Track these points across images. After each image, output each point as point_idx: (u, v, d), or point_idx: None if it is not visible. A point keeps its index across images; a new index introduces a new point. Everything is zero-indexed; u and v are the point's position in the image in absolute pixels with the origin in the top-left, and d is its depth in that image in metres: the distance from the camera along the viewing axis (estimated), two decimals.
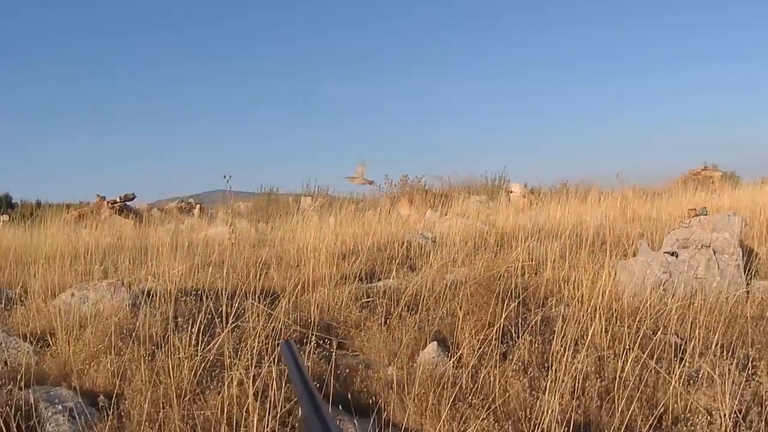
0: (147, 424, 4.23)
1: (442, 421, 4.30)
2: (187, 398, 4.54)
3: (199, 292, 6.93)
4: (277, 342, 5.28)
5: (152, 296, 6.64)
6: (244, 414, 4.24)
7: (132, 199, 22.91)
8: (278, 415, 4.13)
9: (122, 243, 11.64)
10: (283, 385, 4.43)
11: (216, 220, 17.79)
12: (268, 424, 4.03)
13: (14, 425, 4.03)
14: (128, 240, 12.56)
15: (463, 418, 4.30)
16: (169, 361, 4.83)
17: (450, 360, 5.18)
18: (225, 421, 4.22)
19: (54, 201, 26.98)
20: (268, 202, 20.97)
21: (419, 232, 11.71)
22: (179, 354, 4.96)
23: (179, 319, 5.66)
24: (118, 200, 22.49)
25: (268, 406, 4.11)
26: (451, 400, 4.40)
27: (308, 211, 15.54)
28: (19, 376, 4.66)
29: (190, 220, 19.08)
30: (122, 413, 4.38)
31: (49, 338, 5.69)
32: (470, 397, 4.62)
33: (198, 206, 23.44)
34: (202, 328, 5.18)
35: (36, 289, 7.14)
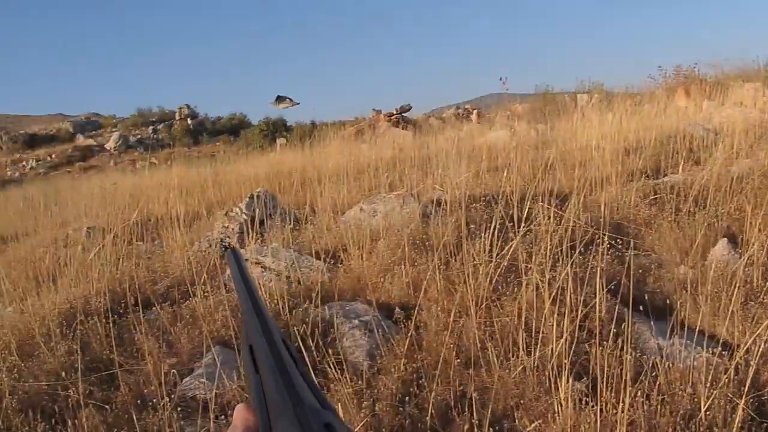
0: (444, 333, 4.74)
1: (735, 323, 4.39)
2: (483, 306, 5.01)
3: (487, 197, 7.44)
4: (570, 244, 5.58)
5: (441, 205, 7.27)
6: (542, 319, 4.60)
7: (408, 110, 24.43)
8: (576, 318, 4.45)
9: (403, 155, 12.66)
10: (578, 287, 4.80)
11: (494, 125, 18.79)
12: (566, 329, 4.32)
13: (312, 341, 4.79)
14: (409, 151, 13.52)
15: (755, 319, 4.35)
16: (464, 269, 5.34)
17: (740, 258, 5.17)
18: (523, 327, 4.63)
19: (328, 119, 29.86)
20: (544, 102, 21.62)
21: (699, 123, 11.77)
22: (473, 261, 5.44)
23: (471, 226, 6.20)
24: (395, 112, 24.09)
25: (564, 310, 4.42)
26: (741, 300, 4.45)
27: (585, 109, 15.92)
28: (314, 294, 5.45)
29: (469, 126, 20.20)
30: (419, 324, 4.96)
31: (341, 254, 6.55)
32: (762, 297, 4.66)
33: (475, 111, 24.43)
34: (494, 234, 5.60)
35: (323, 207, 8.19)
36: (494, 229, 5.64)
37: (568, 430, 3.79)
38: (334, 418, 0.64)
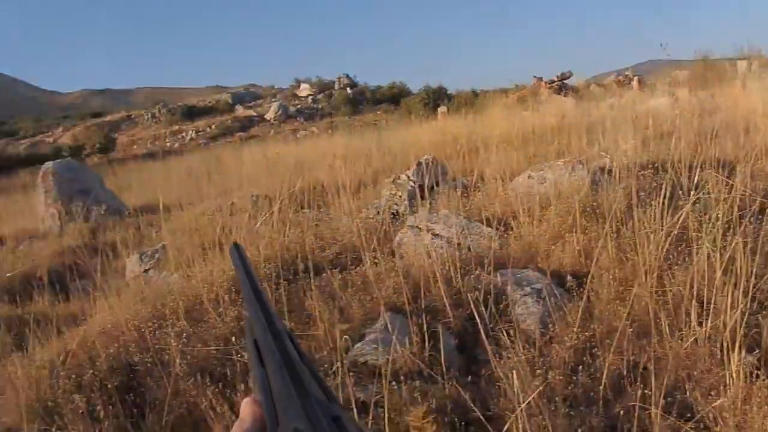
0: (616, 302, 4.78)
1: None
2: (654, 275, 4.93)
3: (655, 165, 7.34)
4: (739, 213, 5.36)
5: (610, 173, 7.19)
6: (713, 290, 4.46)
7: (569, 77, 24.15)
8: (749, 290, 4.35)
9: (566, 122, 12.47)
10: (750, 257, 4.55)
11: (655, 92, 18.28)
12: (738, 301, 4.23)
13: (485, 309, 4.82)
14: (571, 118, 13.44)
15: None
16: (635, 237, 5.33)
17: None
18: (694, 298, 4.53)
19: (488, 88, 29.77)
20: (704, 69, 20.93)
21: None
22: (644, 229, 5.37)
23: (641, 194, 6.05)
24: (555, 79, 23.87)
25: (735, 280, 4.33)
26: None
27: (746, 75, 15.41)
28: (486, 261, 5.53)
29: (630, 93, 19.72)
30: (590, 292, 4.92)
31: (511, 221, 6.58)
32: None
33: (636, 78, 23.83)
34: (664, 202, 5.49)
35: (490, 174, 8.24)
36: (664, 197, 5.52)
37: (739, 403, 3.74)
38: (342, 411, 0.66)
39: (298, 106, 47.32)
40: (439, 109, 26.47)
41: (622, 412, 3.89)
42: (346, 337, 4.79)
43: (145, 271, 8.08)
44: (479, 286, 5.17)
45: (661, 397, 3.76)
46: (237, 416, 0.78)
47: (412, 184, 8.12)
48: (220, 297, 5.75)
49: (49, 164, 14.71)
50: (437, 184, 8.09)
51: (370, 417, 3.76)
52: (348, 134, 19.05)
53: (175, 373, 4.71)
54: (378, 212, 7.77)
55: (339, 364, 4.37)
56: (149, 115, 50.05)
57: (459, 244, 6.15)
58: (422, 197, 7.53)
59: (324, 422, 0.62)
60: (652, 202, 5.68)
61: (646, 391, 3.89)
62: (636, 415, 3.72)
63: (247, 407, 0.76)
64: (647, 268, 5.01)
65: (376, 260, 6.00)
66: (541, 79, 24.44)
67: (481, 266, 5.56)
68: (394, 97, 44.47)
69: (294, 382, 0.68)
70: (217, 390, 4.43)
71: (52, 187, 13.83)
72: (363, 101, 44.97)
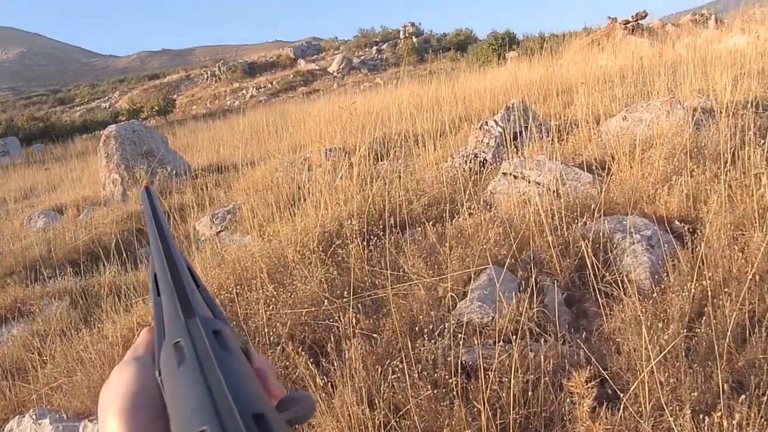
0: (729, 248, 4.51)
1: None
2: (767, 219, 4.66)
3: (755, 103, 7.01)
4: None
5: (708, 112, 6.87)
6: None
7: (644, 17, 23.73)
8: None
9: (644, 63, 12.07)
10: None
11: (732, 30, 17.91)
12: None
13: (592, 259, 4.57)
14: (649, 59, 12.99)
15: None
16: (745, 179, 5.06)
17: None
18: None
19: (557, 32, 29.29)
20: None
21: None
22: (755, 170, 5.14)
23: (745, 134, 5.79)
24: (630, 20, 23.46)
25: None
26: None
27: None
28: (593, 206, 5.31)
29: (706, 33, 19.37)
30: (701, 239, 4.66)
31: (610, 164, 6.29)
32: None
33: (713, 16, 23.41)
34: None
35: (580, 117, 7.95)
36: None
37: None
38: (224, 326, 0.67)
39: (362, 58, 47.06)
40: (508, 54, 26.00)
41: (747, 366, 3.65)
42: (452, 294, 4.58)
43: (217, 233, 7.98)
44: (587, 235, 4.95)
45: None
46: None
47: (500, 129, 7.81)
48: (306, 257, 5.56)
49: (111, 127, 14.69)
50: (525, 130, 7.77)
51: (481, 382, 3.52)
52: (416, 83, 18.68)
53: (262, 343, 4.53)
54: (465, 161, 7.50)
55: (442, 325, 4.17)
56: (208, 73, 50.45)
57: (557, 191, 5.86)
58: (512, 143, 7.25)
59: (204, 336, 0.63)
60: (761, 142, 5.46)
61: None
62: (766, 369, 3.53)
63: (141, 335, 0.78)
64: (761, 210, 4.78)
65: (470, 211, 5.73)
66: (615, 19, 24.01)
67: (582, 214, 5.33)
68: (461, 44, 44.00)
69: (182, 304, 0.69)
70: (311, 359, 4.17)
71: (115, 151, 13.78)
72: (429, 49, 44.42)
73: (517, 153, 7.18)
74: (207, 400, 0.53)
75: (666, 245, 4.76)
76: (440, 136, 9.51)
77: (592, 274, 4.49)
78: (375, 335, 4.32)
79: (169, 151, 14.99)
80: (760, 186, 4.95)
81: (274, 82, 44.04)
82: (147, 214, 0.93)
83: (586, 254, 4.54)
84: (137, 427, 0.63)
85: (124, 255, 7.72)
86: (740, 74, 8.75)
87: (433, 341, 4.03)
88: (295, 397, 0.65)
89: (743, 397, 3.15)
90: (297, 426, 0.64)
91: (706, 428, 2.97)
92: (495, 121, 8.00)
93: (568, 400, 3.44)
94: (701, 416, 3.05)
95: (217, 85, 47.45)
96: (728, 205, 4.98)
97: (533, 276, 4.44)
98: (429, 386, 3.62)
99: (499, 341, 3.93)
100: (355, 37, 53.01)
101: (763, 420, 3.03)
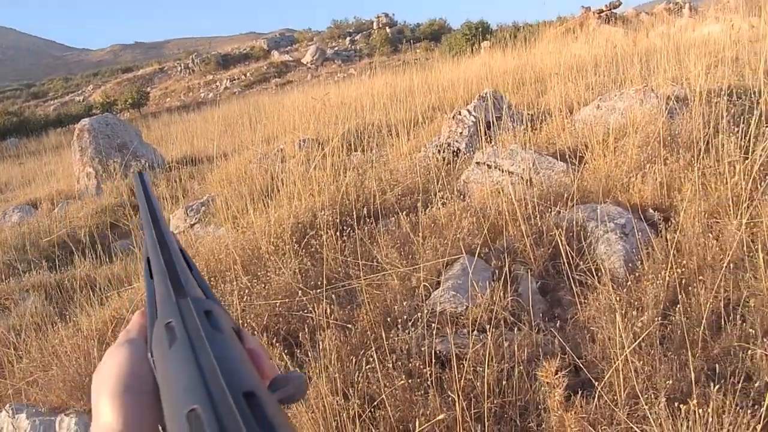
0: (707, 235, 4.51)
1: None
2: (744, 206, 4.64)
3: (728, 91, 6.96)
4: None
5: (682, 101, 6.84)
6: None
7: (618, 5, 23.98)
8: None
9: (617, 52, 12.11)
10: None
11: (706, 19, 18.17)
12: None
13: (566, 248, 4.59)
14: (623, 48, 13.00)
15: None
16: (719, 167, 5.06)
17: None
18: None
19: (530, 21, 29.47)
20: None
21: None
22: (729, 158, 5.12)
23: (719, 122, 5.80)
24: (604, 9, 23.65)
25: None
26: None
27: None
28: (567, 195, 5.29)
29: (681, 21, 19.55)
30: (675, 227, 4.67)
31: (584, 153, 6.26)
32: None
33: (687, 5, 23.72)
34: (747, 130, 5.26)
35: (553, 106, 7.93)
36: (745, 124, 5.32)
37: None
38: (214, 306, 0.68)
39: (336, 49, 46.91)
40: (482, 44, 25.99)
41: (722, 354, 3.67)
42: (425, 284, 4.55)
43: (192, 225, 7.91)
44: (561, 224, 4.93)
45: (761, 335, 3.59)
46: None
47: (473, 119, 7.79)
48: (279, 248, 5.51)
49: (85, 121, 14.52)
50: (499, 119, 7.75)
51: (455, 371, 3.50)
52: (390, 74, 18.67)
53: None
54: (439, 150, 7.48)
55: (420, 314, 4.15)
56: (182, 66, 50.07)
57: (530, 180, 5.84)
58: (485, 133, 7.23)
59: (195, 316, 0.63)
60: (734, 130, 5.45)
61: (743, 329, 3.70)
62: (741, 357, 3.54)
63: (134, 318, 0.79)
64: (734, 198, 4.77)
65: (444, 200, 5.70)
66: (589, 9, 24.18)
67: (554, 203, 5.33)
68: (435, 34, 44.03)
69: (174, 285, 0.70)
70: (285, 350, 4.15)
71: (89, 145, 13.63)
72: (402, 40, 44.40)
73: (490, 142, 7.13)
74: (198, 380, 0.53)
75: (640, 233, 4.76)
76: (414, 126, 9.49)
77: (566, 263, 4.50)
78: (349, 326, 4.30)
79: (143, 144, 14.84)
80: (734, 174, 4.95)
81: (248, 74, 43.80)
82: (140, 198, 0.94)
83: (560, 243, 4.54)
84: (130, 408, 0.64)
85: (99, 248, 7.64)
86: (714, 62, 8.83)
87: (407, 331, 4.01)
88: (287, 377, 0.64)
89: (718, 385, 3.13)
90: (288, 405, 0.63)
91: (681, 416, 2.94)
92: (468, 110, 7.98)
93: (542, 389, 3.42)
94: (676, 404, 3.03)
95: (191, 78, 47.12)
96: (702, 193, 4.99)
97: (507, 265, 4.41)
98: (403, 376, 3.60)
99: (473, 330, 3.91)
100: (329, 29, 52.86)
101: (738, 408, 3.01)
